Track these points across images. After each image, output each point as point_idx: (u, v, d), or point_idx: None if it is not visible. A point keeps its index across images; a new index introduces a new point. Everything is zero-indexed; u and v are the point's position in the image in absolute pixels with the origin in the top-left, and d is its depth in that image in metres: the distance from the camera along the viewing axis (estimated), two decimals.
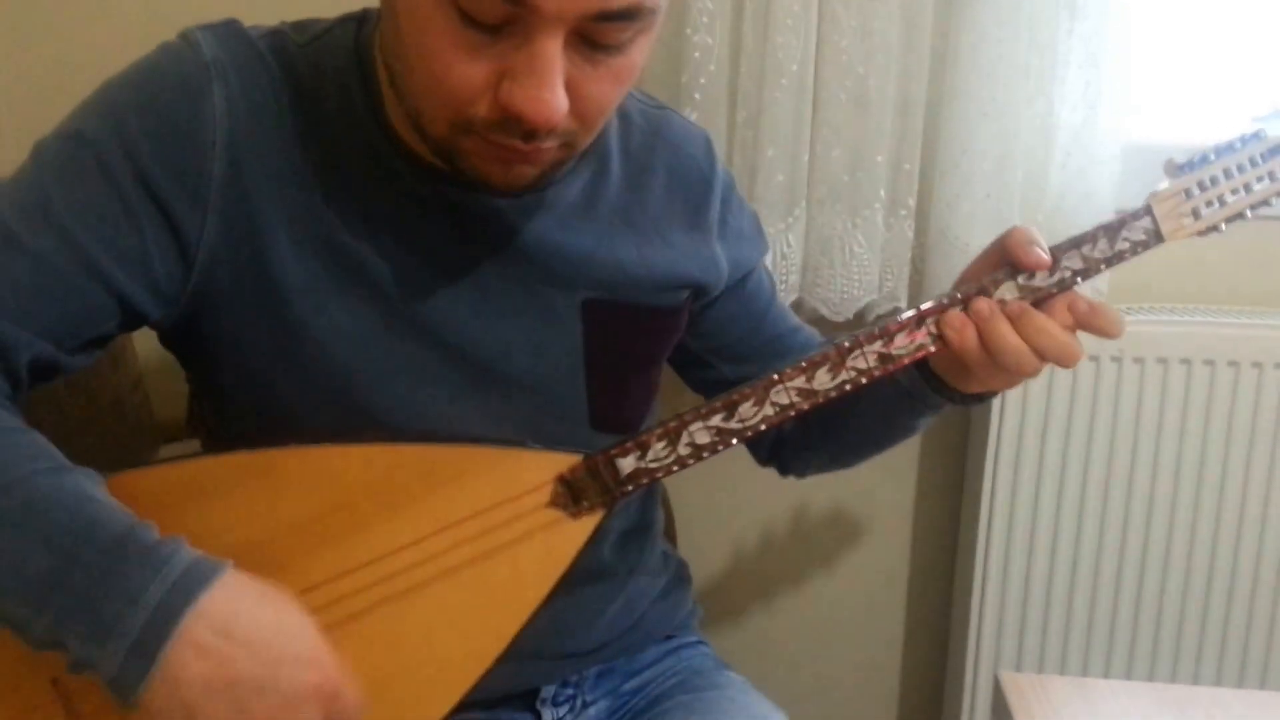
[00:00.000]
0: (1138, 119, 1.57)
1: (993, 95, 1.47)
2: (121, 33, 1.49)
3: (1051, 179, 1.54)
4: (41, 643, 0.72)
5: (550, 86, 0.76)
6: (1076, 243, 0.90)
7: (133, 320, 0.89)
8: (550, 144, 0.82)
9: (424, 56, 0.78)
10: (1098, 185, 1.53)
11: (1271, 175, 0.92)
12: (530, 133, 0.79)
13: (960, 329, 0.89)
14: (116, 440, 1.30)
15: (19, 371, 0.83)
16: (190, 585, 0.71)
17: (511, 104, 0.76)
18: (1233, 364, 1.59)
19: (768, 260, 1.48)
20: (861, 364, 0.88)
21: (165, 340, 0.96)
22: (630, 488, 0.87)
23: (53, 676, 0.78)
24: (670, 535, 1.41)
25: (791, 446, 1.18)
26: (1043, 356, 0.88)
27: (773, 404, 0.87)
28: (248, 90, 0.87)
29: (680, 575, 1.21)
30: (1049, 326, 0.88)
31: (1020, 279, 0.89)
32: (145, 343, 0.96)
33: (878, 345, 0.88)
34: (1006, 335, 0.88)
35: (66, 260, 0.82)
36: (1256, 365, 1.59)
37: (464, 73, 0.77)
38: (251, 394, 0.93)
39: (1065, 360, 0.89)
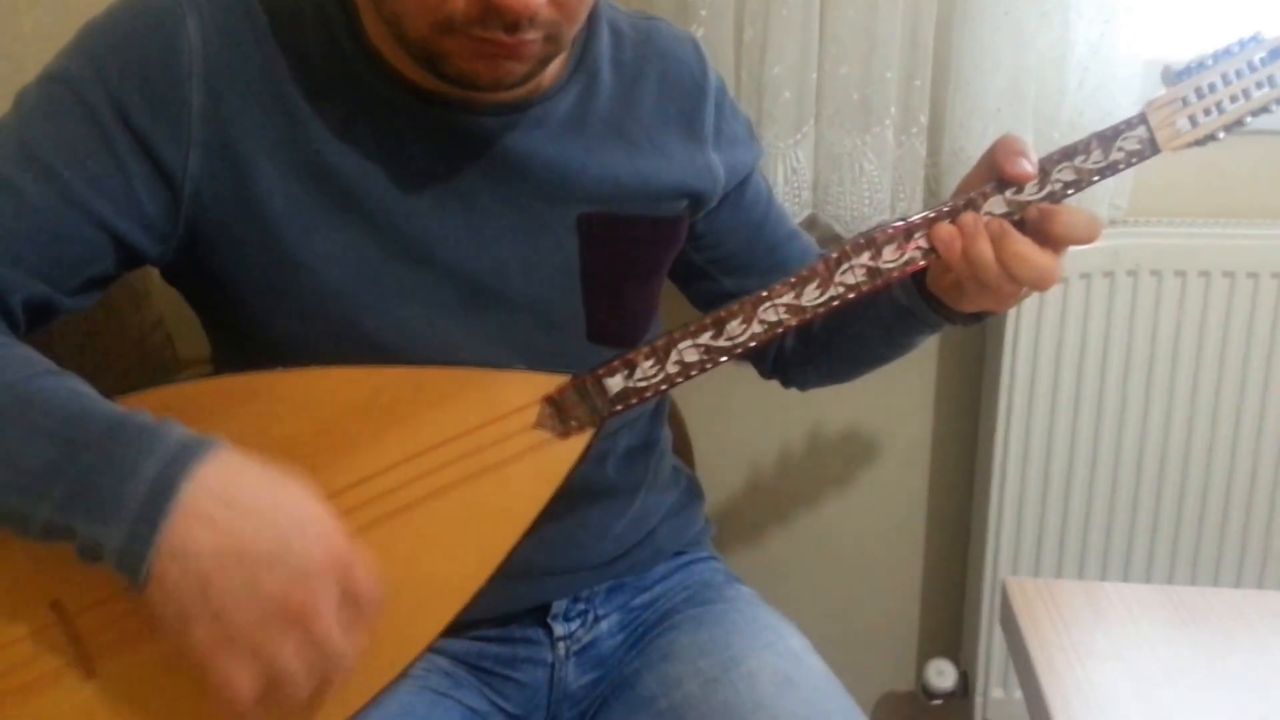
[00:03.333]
0: (1160, 33, 1.53)
1: (1006, 9, 1.45)
2: None
3: (1068, 95, 1.51)
4: (45, 532, 0.73)
5: None
6: (1068, 153, 0.89)
7: (131, 258, 0.90)
8: (534, 36, 0.82)
9: None
10: (1116, 102, 1.50)
11: (1271, 80, 0.90)
12: (513, 24, 0.79)
13: (948, 242, 0.88)
14: (139, 378, 1.32)
15: (14, 312, 0.84)
16: (186, 457, 0.72)
17: None
18: (1252, 275, 1.58)
19: (778, 177, 1.48)
20: (850, 279, 0.88)
21: (168, 278, 0.97)
22: (619, 407, 0.87)
23: (51, 600, 0.79)
24: (684, 454, 1.42)
25: (794, 361, 1.19)
26: (1016, 280, 0.87)
27: (761, 321, 0.87)
28: (222, 20, 0.88)
29: (692, 492, 1.23)
30: (1024, 250, 0.86)
31: (1008, 192, 0.88)
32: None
33: (865, 258, 0.88)
34: (985, 253, 0.87)
35: (53, 200, 0.84)
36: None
37: None
38: (249, 323, 0.94)
39: (1038, 285, 0.88)
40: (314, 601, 0.72)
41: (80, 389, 0.78)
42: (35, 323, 0.87)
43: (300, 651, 0.73)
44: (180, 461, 0.72)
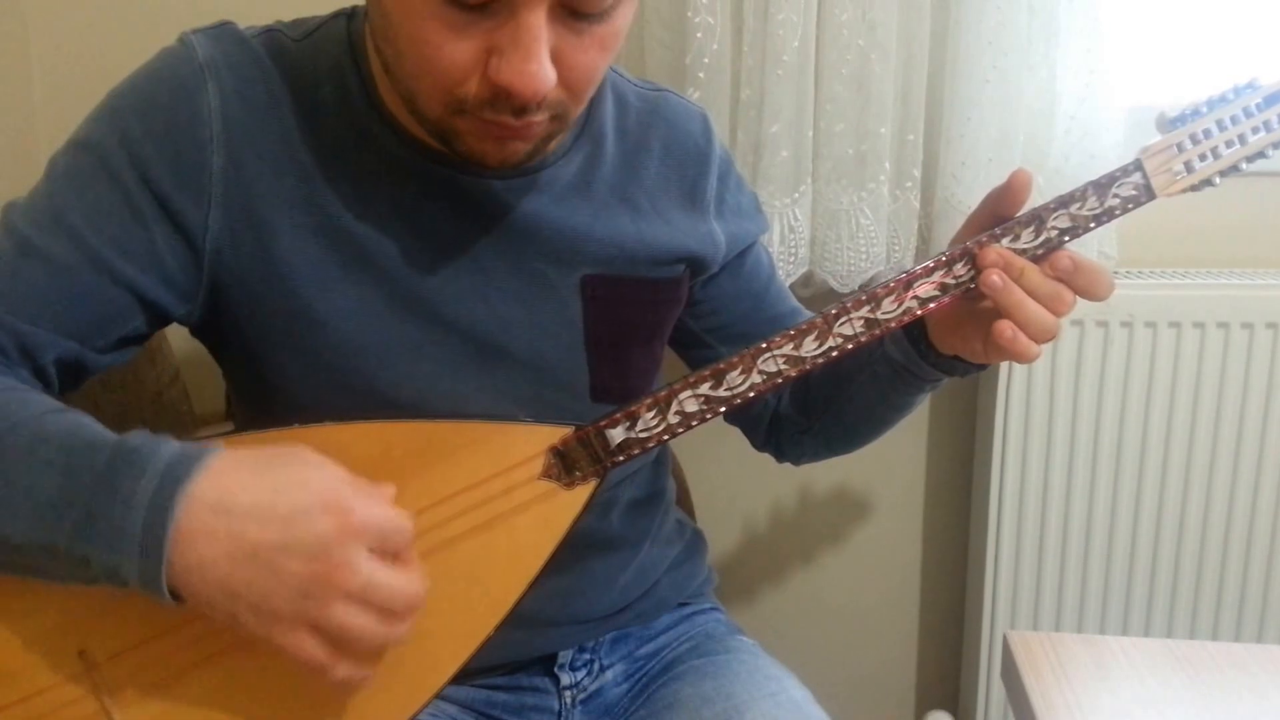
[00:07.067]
0: (1144, 81, 1.57)
1: (994, 63, 1.48)
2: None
3: (1055, 145, 1.54)
4: (72, 563, 0.74)
5: (537, 59, 0.78)
6: (1064, 202, 0.89)
7: (158, 317, 0.92)
8: (541, 118, 0.84)
9: (413, 41, 0.80)
10: (1102, 149, 1.53)
11: (1267, 125, 0.90)
12: (521, 108, 0.81)
13: (999, 284, 0.88)
14: (156, 433, 1.33)
15: (47, 371, 0.87)
16: (176, 475, 0.73)
17: (500, 79, 0.79)
18: (1246, 326, 1.60)
19: (775, 236, 1.50)
20: (848, 330, 0.88)
21: (196, 334, 0.99)
22: (621, 458, 0.88)
23: (79, 648, 0.81)
24: (684, 506, 1.43)
25: (788, 431, 1.19)
26: (1057, 315, 0.89)
27: (760, 371, 0.87)
28: (242, 86, 0.91)
29: (695, 544, 1.23)
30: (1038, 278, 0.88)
31: (1005, 241, 0.89)
32: (183, 338, 1.00)
33: (864, 311, 0.88)
34: (1036, 279, 0.88)
35: (81, 262, 0.86)
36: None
37: (452, 53, 0.79)
38: (266, 379, 0.96)
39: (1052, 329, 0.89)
40: (337, 567, 0.73)
41: (85, 422, 0.79)
42: (68, 381, 0.90)
43: (351, 606, 0.74)
44: (172, 481, 0.73)
